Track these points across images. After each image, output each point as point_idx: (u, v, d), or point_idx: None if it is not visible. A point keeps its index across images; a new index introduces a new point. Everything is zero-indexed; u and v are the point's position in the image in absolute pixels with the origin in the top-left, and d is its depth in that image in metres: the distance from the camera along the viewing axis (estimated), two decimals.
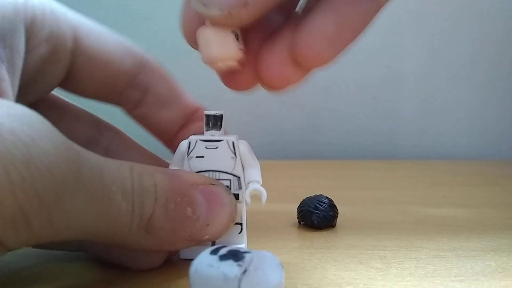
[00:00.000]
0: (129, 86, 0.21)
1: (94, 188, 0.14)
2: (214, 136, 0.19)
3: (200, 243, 0.18)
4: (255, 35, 0.18)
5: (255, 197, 0.19)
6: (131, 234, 0.15)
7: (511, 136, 0.62)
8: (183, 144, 0.19)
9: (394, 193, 0.36)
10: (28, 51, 0.18)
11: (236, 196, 0.19)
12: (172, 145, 0.23)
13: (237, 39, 0.17)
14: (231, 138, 0.19)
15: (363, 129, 0.61)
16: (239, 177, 0.19)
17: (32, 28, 0.18)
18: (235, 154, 0.19)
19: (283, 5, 0.18)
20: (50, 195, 0.12)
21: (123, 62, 0.21)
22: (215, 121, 0.19)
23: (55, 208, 0.13)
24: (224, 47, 0.16)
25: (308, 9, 0.18)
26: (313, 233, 0.24)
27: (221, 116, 0.19)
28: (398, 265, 0.19)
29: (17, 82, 0.17)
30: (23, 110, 0.13)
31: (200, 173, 0.19)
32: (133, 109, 0.22)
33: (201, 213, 0.17)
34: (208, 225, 0.17)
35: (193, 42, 0.17)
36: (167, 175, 0.17)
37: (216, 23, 0.16)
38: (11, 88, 0.17)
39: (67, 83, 0.20)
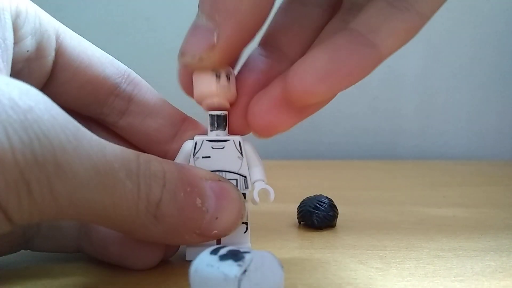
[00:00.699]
0: (113, 95, 0.21)
1: (96, 162, 0.14)
2: (219, 136, 0.19)
3: (208, 239, 0.18)
4: (248, 78, 0.19)
5: (260, 196, 0.19)
6: (140, 218, 0.15)
7: (511, 136, 0.62)
8: (188, 144, 0.19)
9: (394, 193, 0.36)
10: (14, 43, 0.18)
11: (243, 195, 0.19)
12: (161, 156, 0.23)
13: (218, 77, 0.18)
14: (237, 137, 0.19)
15: (363, 129, 0.61)
16: (245, 177, 0.19)
17: (17, 21, 0.18)
18: (241, 153, 0.19)
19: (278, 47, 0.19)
20: (49, 162, 0.12)
21: (105, 68, 0.21)
22: (220, 121, 0.19)
23: (55, 176, 0.13)
24: (204, 86, 0.18)
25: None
26: (313, 233, 0.24)
27: (226, 116, 0.19)
28: (398, 265, 0.19)
29: (9, 71, 0.17)
30: (21, 83, 0.13)
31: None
32: (119, 120, 0.22)
33: (210, 205, 0.17)
34: (217, 218, 0.17)
35: (188, 91, 0.19)
36: (177, 166, 0.17)
37: (193, 68, 0.18)
38: (7, 75, 0.17)
39: (49, 86, 0.20)
